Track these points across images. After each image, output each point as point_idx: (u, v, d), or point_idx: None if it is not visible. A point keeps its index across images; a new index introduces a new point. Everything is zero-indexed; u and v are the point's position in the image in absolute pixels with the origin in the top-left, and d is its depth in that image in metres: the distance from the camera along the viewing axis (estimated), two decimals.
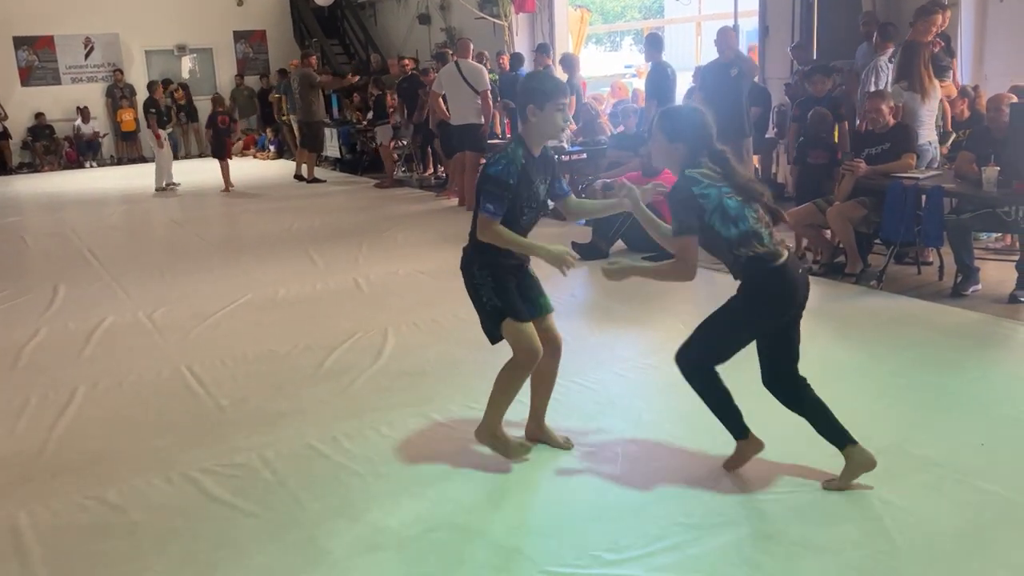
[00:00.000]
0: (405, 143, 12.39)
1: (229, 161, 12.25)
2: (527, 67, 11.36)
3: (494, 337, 3.32)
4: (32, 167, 16.19)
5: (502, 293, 3.24)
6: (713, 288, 5.96)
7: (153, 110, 12.22)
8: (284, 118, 15.02)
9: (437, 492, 3.20)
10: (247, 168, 15.28)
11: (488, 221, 3.13)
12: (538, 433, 3.54)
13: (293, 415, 3.98)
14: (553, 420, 3.76)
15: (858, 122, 7.00)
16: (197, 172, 13.69)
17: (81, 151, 16.73)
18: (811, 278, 5.82)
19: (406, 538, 2.89)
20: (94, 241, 8.63)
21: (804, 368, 4.35)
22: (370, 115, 13.06)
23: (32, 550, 2.92)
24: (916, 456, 3.29)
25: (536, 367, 3.31)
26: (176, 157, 14.73)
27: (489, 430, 3.39)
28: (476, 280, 3.25)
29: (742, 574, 2.59)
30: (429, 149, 12.01)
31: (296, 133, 13.46)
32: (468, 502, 3.12)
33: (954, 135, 6.97)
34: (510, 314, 3.23)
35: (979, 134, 5.85)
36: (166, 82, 16.50)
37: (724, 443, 3.49)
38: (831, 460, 3.28)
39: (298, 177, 12.78)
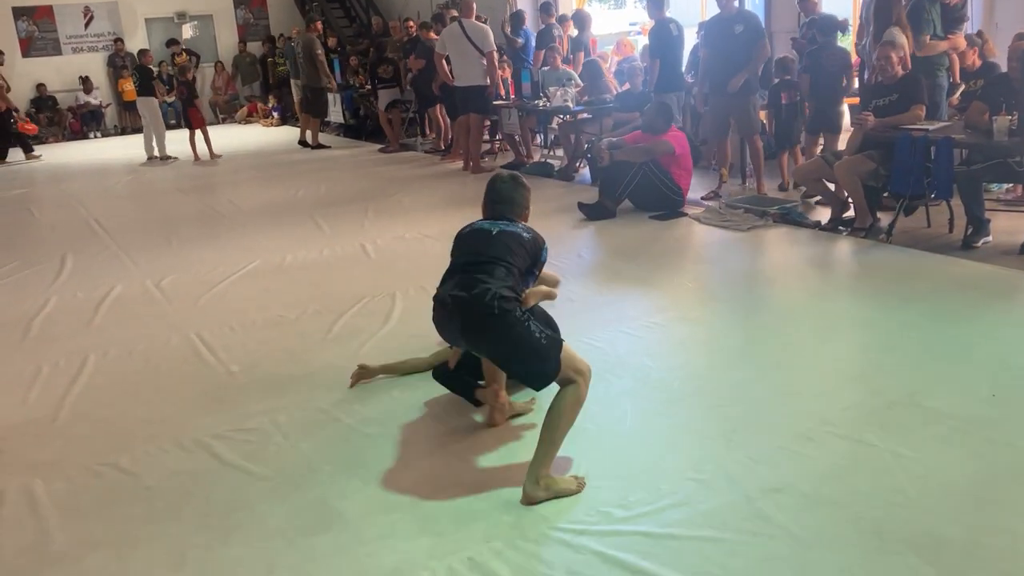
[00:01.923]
0: (409, 107, 12.31)
1: (201, 130, 12.15)
2: (528, 26, 11.21)
3: (551, 373, 2.90)
4: (36, 139, 16.14)
5: (545, 323, 3.09)
6: (720, 249, 5.95)
7: (155, 78, 12.16)
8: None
9: (448, 452, 3.22)
10: (252, 135, 15.23)
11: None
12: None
13: (303, 379, 3.99)
14: None
15: (867, 74, 6.92)
16: (197, 141, 13.62)
17: (85, 122, 16.68)
18: (821, 233, 5.88)
19: (418, 498, 2.90)
20: (100, 211, 8.63)
21: (816, 323, 4.36)
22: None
23: (48, 516, 2.95)
24: (927, 408, 3.28)
25: None
26: (179, 126, 14.68)
27: (545, 482, 2.86)
28: (521, 318, 2.93)
29: (753, 528, 2.60)
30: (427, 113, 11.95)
31: (300, 99, 13.37)
32: (480, 461, 3.13)
33: (963, 85, 6.88)
34: (559, 342, 2.95)
35: (994, 83, 5.76)
36: (171, 43, 16.41)
37: (733, 400, 3.49)
38: (842, 413, 3.29)
39: (303, 143, 12.73)
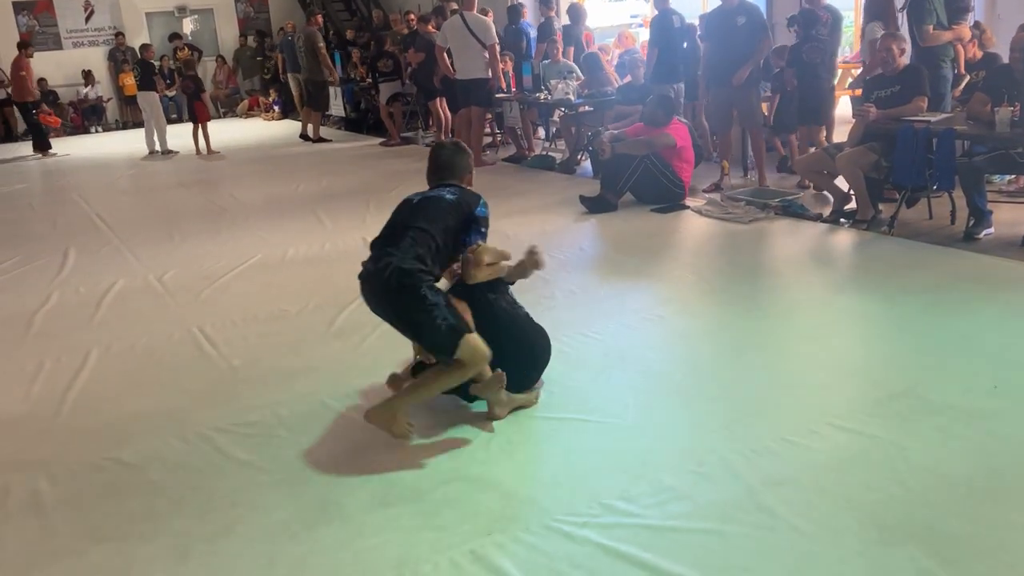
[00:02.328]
0: (411, 100, 12.29)
1: (203, 125, 12.15)
2: (528, 19, 11.19)
3: (447, 357, 3.09)
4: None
5: (451, 308, 3.12)
6: (722, 241, 5.94)
7: (156, 72, 12.16)
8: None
9: (450, 445, 3.22)
10: (253, 128, 15.22)
11: (485, 247, 3.23)
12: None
13: (306, 373, 3.99)
14: (563, 372, 3.77)
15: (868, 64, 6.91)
16: (200, 137, 13.62)
17: (86, 116, 16.67)
18: (822, 226, 5.87)
19: (420, 491, 2.91)
20: (102, 206, 8.63)
21: (817, 315, 4.36)
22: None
23: (51, 510, 2.96)
24: (929, 400, 3.28)
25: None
26: (180, 120, 14.68)
27: (391, 410, 3.14)
28: (424, 295, 3.05)
29: (755, 520, 2.60)
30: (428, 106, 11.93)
31: (301, 92, 13.36)
32: (481, 455, 3.14)
33: (968, 77, 6.86)
34: (460, 331, 3.07)
35: (996, 74, 5.74)
36: (173, 37, 16.39)
37: (735, 393, 3.49)
38: (844, 406, 3.29)
39: (304, 136, 12.72)
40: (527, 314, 3.60)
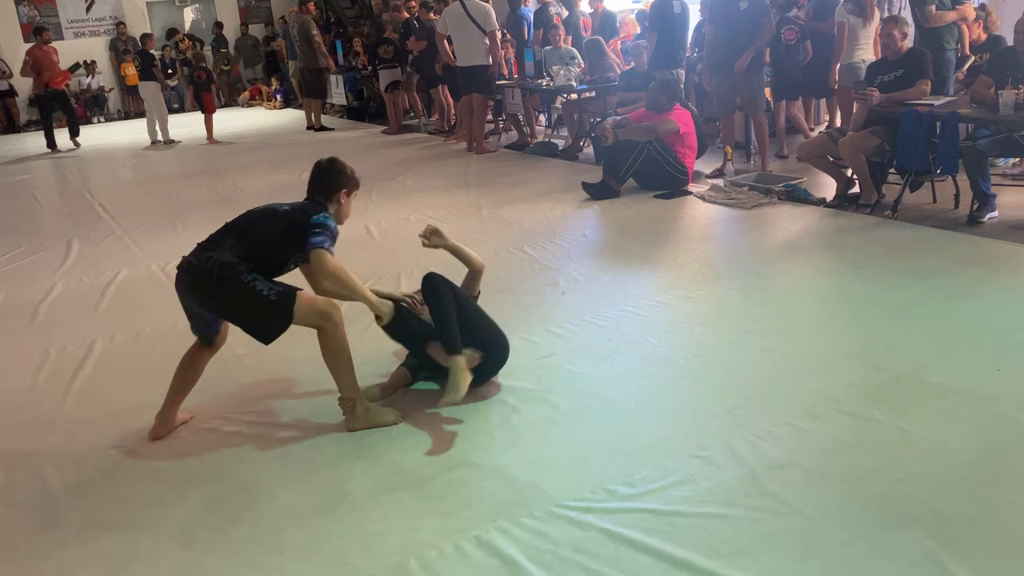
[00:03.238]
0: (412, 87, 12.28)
1: (212, 114, 12.25)
2: (529, 6, 11.14)
3: (283, 325, 3.22)
4: (39, 125, 16.11)
5: (275, 283, 3.25)
6: (725, 227, 5.94)
7: (156, 63, 12.14)
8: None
9: (454, 431, 3.23)
10: (254, 118, 15.21)
11: (324, 252, 3.22)
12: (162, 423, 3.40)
13: (310, 361, 3.98)
14: (566, 360, 3.78)
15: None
16: (200, 125, 13.61)
17: (88, 107, 16.65)
18: (826, 210, 5.86)
19: (424, 477, 2.92)
20: (105, 196, 8.64)
21: (820, 299, 4.35)
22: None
23: (58, 499, 2.98)
24: (932, 384, 3.29)
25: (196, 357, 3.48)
26: (183, 110, 14.67)
27: (357, 410, 3.30)
28: (246, 280, 3.17)
29: (758, 504, 2.61)
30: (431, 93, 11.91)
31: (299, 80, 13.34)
32: (485, 441, 3.15)
33: (973, 58, 6.83)
34: (291, 293, 3.21)
35: (1000, 57, 5.72)
36: (172, 32, 16.37)
37: (738, 377, 3.50)
38: (847, 390, 3.29)
39: (320, 128, 12.66)
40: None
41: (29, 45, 15.98)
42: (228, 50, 16.53)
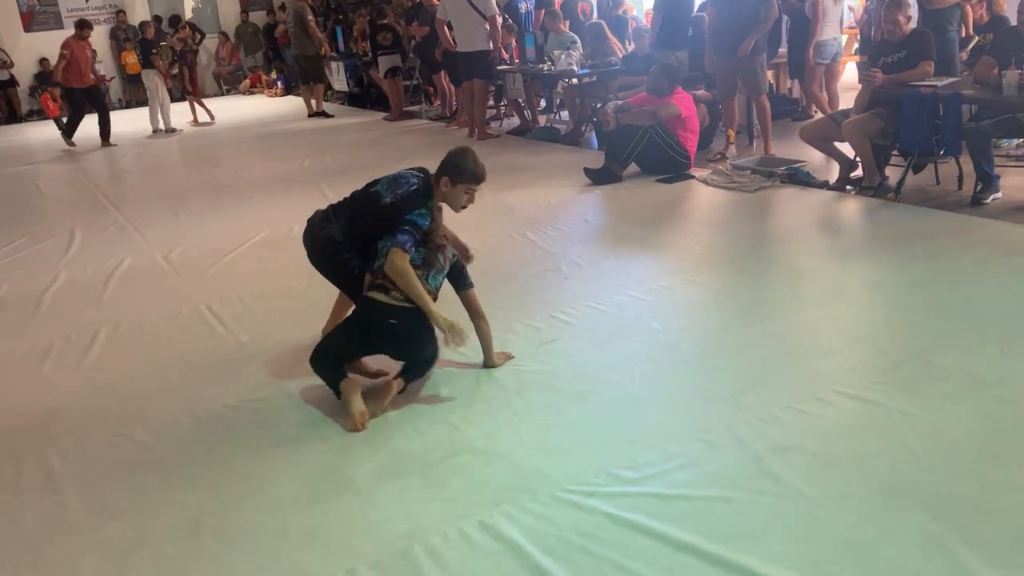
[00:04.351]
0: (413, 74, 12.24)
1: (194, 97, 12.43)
2: None
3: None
4: (42, 114, 16.10)
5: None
6: (727, 210, 5.92)
7: (155, 50, 12.11)
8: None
9: (458, 418, 3.24)
10: (255, 106, 15.18)
11: (400, 252, 3.29)
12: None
13: (313, 347, 4.00)
14: (570, 345, 3.78)
15: (873, 31, 6.87)
16: (201, 113, 13.60)
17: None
18: (828, 193, 5.85)
19: (428, 463, 2.93)
20: (107, 185, 8.65)
21: (824, 282, 4.35)
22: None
23: (65, 487, 2.99)
24: (936, 366, 3.28)
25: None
26: (183, 99, 14.62)
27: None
28: (343, 257, 3.55)
29: (762, 487, 2.61)
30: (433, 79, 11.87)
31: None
32: (488, 426, 3.15)
33: (977, 38, 6.80)
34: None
35: (1003, 37, 5.68)
36: (175, 19, 16.29)
37: (741, 361, 3.50)
38: (851, 373, 3.29)
39: (320, 113, 12.63)
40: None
41: (28, 35, 16.05)
42: (166, 43, 16.25)
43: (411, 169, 3.64)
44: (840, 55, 8.23)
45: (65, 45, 11.18)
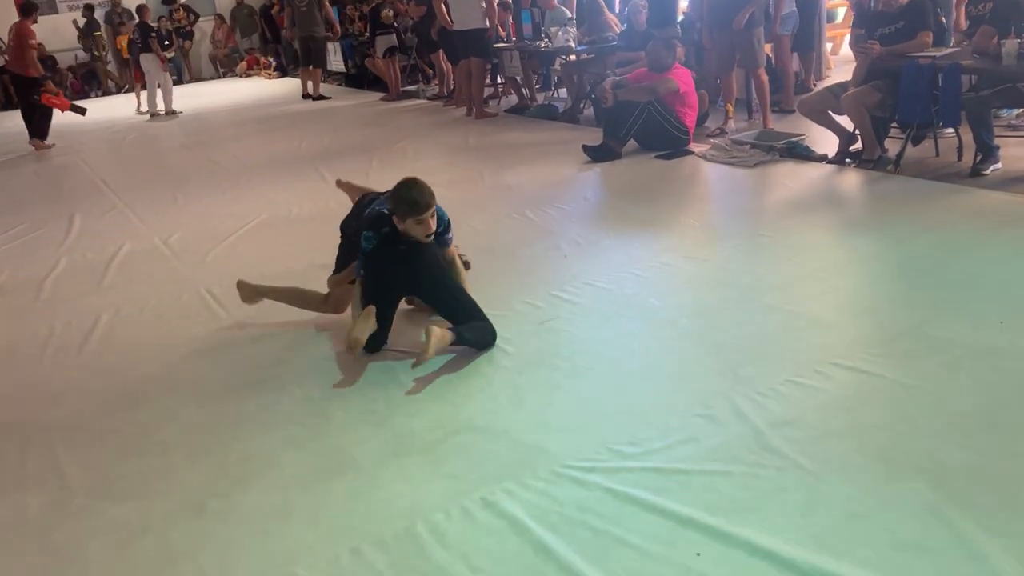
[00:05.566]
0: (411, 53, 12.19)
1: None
2: None
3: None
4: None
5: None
6: (726, 186, 5.91)
7: (153, 34, 12.05)
8: None
9: (459, 396, 3.25)
10: (253, 88, 15.12)
11: (454, 248, 3.81)
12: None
13: (313, 330, 4.02)
14: (570, 323, 3.79)
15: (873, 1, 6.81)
16: (198, 96, 13.58)
17: (85, 81, 16.55)
18: (828, 166, 5.83)
19: (430, 441, 2.95)
20: (105, 170, 8.63)
21: (823, 256, 4.35)
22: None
23: (69, 472, 3.01)
24: (935, 337, 3.29)
25: None
26: (180, 82, 14.59)
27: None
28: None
29: (762, 460, 2.62)
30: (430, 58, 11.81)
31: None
32: (489, 404, 3.17)
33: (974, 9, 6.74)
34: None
35: (1003, 6, 5.64)
36: (169, 1, 16.22)
37: (740, 336, 3.51)
38: (850, 346, 3.30)
39: (306, 95, 12.58)
40: None
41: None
42: (100, 33, 16.08)
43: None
44: (796, 26, 8.29)
45: (25, 33, 10.16)
